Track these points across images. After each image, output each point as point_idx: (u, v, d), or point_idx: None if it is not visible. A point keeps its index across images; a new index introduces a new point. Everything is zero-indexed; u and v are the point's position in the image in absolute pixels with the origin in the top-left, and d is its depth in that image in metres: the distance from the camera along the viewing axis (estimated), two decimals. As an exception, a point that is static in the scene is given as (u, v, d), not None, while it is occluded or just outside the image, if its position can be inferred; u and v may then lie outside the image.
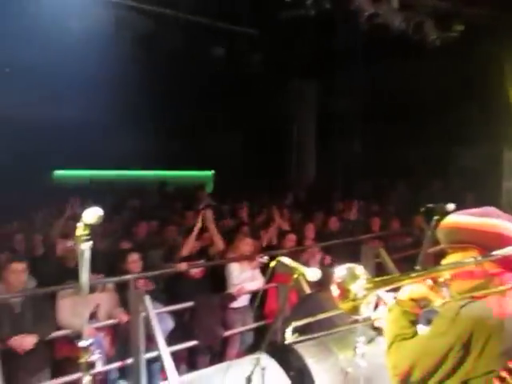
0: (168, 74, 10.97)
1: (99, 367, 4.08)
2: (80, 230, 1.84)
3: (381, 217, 7.47)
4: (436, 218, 3.51)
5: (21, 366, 3.86)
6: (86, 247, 1.84)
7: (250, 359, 2.94)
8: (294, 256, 5.34)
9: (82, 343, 2.00)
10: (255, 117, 12.16)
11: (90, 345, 2.02)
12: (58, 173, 15.41)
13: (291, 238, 5.77)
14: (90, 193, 10.78)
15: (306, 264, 4.99)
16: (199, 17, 8.39)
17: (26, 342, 3.78)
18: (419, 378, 1.52)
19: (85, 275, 1.97)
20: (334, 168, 11.89)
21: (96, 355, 2.08)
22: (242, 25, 8.91)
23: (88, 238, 1.84)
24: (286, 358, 3.70)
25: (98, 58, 9.43)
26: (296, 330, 2.23)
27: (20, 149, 14.71)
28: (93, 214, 1.83)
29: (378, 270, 5.72)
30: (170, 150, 14.05)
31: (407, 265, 5.19)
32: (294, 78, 11.73)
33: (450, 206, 3.47)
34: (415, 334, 1.62)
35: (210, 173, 15.79)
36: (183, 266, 4.72)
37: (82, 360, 2.00)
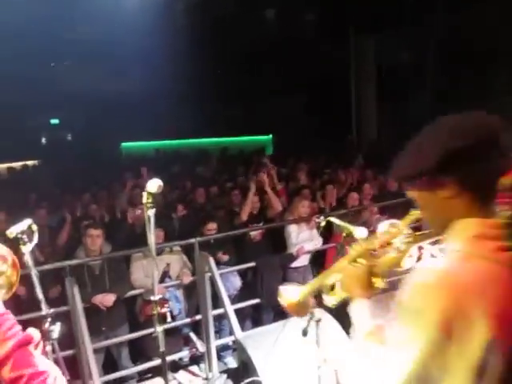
0: (224, 40, 11.07)
1: (169, 319, 4.45)
2: (145, 198, 2.06)
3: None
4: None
5: (102, 321, 4.32)
6: (151, 213, 2.06)
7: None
8: (355, 216, 5.47)
9: (153, 297, 2.25)
10: (313, 79, 12.01)
11: (161, 300, 2.28)
12: (126, 144, 16.17)
13: (354, 197, 5.85)
14: (157, 162, 11.32)
15: (366, 223, 5.10)
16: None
17: (106, 299, 4.22)
18: None
19: (151, 238, 2.21)
20: (396, 128, 11.58)
21: (165, 308, 2.34)
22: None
23: (152, 205, 2.06)
24: (341, 311, 3.85)
25: (155, 33, 9.72)
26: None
27: (89, 123, 15.60)
28: (155, 184, 2.04)
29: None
30: (231, 116, 14.30)
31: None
32: (352, 35, 11.41)
33: None
34: None
35: (269, 136, 15.94)
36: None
37: (155, 312, 2.27)
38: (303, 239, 5.18)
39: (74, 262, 4.14)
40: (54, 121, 18.01)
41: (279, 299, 1.73)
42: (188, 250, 4.77)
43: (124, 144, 16.18)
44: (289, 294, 1.70)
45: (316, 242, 5.31)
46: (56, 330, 2.05)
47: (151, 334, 4.42)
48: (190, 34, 10.28)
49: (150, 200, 2.04)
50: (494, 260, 1.09)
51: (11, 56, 10.64)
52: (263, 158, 9.80)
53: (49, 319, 2.05)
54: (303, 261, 5.32)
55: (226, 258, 4.89)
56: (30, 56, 11.10)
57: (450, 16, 9.23)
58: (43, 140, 18.48)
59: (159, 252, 4.58)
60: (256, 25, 10.07)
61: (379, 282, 1.54)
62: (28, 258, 2.00)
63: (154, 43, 10.49)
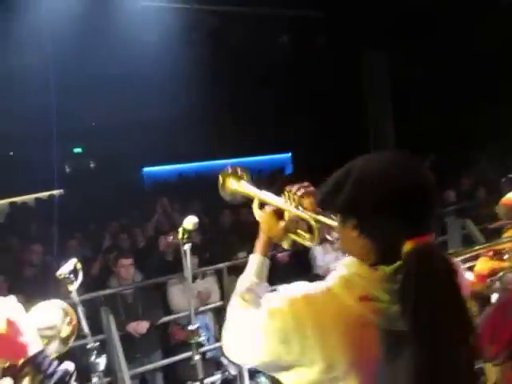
0: (239, 64, 11.33)
1: (206, 347, 4.53)
2: (180, 234, 2.19)
3: (468, 185, 7.26)
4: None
5: (137, 348, 4.43)
6: (187, 248, 2.18)
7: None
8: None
9: (191, 327, 2.36)
10: (328, 98, 12.15)
11: (199, 328, 2.38)
12: (147, 169, 16.45)
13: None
14: (179, 186, 11.51)
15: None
16: (262, 8, 8.60)
17: (140, 327, 4.34)
18: None
19: (188, 268, 2.32)
20: (414, 140, 11.57)
21: (203, 337, 2.43)
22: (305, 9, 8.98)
23: (188, 240, 2.18)
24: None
25: (170, 61, 10.03)
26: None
27: (110, 150, 15.96)
28: (191, 221, 2.17)
29: (465, 242, 5.64)
30: (250, 137, 14.48)
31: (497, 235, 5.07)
32: (365, 52, 11.52)
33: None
34: None
35: (288, 155, 16.08)
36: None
37: (193, 341, 2.37)
38: (329, 261, 5.24)
39: (107, 291, 4.28)
40: (77, 149, 18.48)
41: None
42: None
43: (145, 169, 16.48)
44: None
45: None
46: (102, 362, 2.16)
47: (184, 359, 4.58)
48: (205, 61, 10.57)
49: (185, 236, 2.16)
50: (353, 305, 1.14)
51: (34, 89, 11.05)
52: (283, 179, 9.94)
53: (94, 352, 2.17)
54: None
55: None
56: (50, 89, 11.49)
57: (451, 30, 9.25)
58: (67, 169, 18.93)
59: (193, 279, 4.70)
60: (269, 48, 10.30)
61: (286, 243, 1.60)
62: (74, 295, 2.12)
63: (171, 71, 10.80)
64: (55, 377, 1.18)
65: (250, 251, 1.63)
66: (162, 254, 5.36)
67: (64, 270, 1.79)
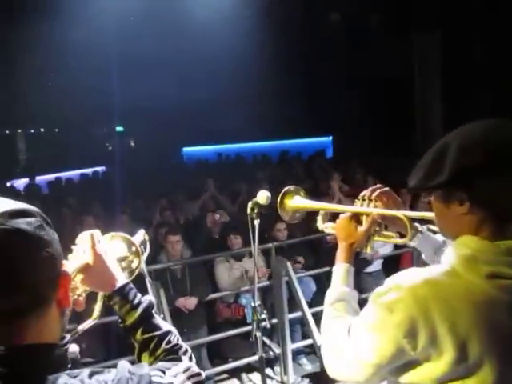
0: (284, 41, 11.16)
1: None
2: (249, 208, 2.15)
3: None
4: None
5: (185, 323, 4.48)
6: (256, 223, 2.14)
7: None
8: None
9: (253, 303, 2.33)
10: (375, 77, 11.80)
11: (259, 305, 2.35)
12: (187, 149, 16.59)
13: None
14: (220, 166, 11.55)
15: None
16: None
17: (189, 303, 4.38)
18: None
19: (255, 249, 2.29)
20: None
21: (264, 315, 2.40)
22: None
23: (258, 215, 2.14)
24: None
25: (214, 39, 9.97)
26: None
27: (151, 129, 16.18)
28: (264, 195, 2.12)
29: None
30: (289, 118, 14.33)
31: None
32: (416, 29, 11.09)
33: None
34: None
35: (329, 138, 15.84)
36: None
37: (254, 318, 2.35)
38: (377, 244, 5.13)
39: (158, 266, 4.33)
40: (119, 128, 18.83)
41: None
42: (264, 254, 4.86)
43: (185, 149, 16.60)
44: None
45: (388, 247, 5.25)
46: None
47: (228, 336, 4.63)
48: (249, 38, 10.43)
49: (255, 210, 2.12)
50: (481, 284, 1.06)
51: (79, 69, 11.26)
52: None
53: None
54: (376, 265, 5.30)
55: (301, 263, 4.94)
56: (96, 68, 11.69)
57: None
58: (109, 147, 19.35)
59: (240, 257, 4.71)
60: (317, 25, 10.07)
61: (369, 249, 1.59)
62: (143, 267, 2.12)
63: (214, 48, 10.77)
64: (141, 307, 1.24)
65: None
66: (208, 231, 5.38)
67: (137, 239, 1.77)
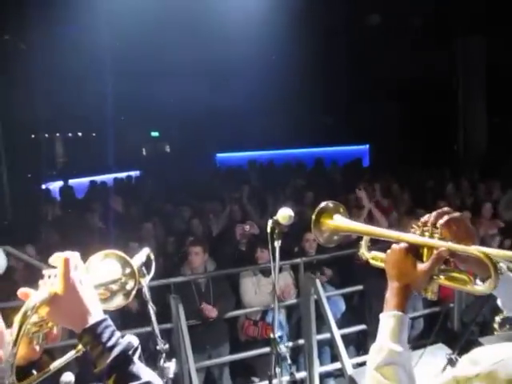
0: (323, 48, 10.89)
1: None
2: (271, 227, 1.89)
3: None
4: None
5: (206, 339, 4.24)
6: (277, 245, 1.89)
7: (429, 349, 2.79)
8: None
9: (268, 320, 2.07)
10: (415, 85, 11.35)
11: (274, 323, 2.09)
12: (220, 156, 16.49)
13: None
14: (251, 173, 11.34)
15: (482, 242, 4.57)
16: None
17: (212, 311, 4.14)
18: None
19: (276, 272, 2.04)
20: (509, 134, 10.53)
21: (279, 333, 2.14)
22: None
23: (279, 235, 1.88)
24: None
25: (247, 49, 9.79)
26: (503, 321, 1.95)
27: (186, 135, 16.23)
28: (286, 214, 1.87)
29: None
30: (325, 125, 14.04)
31: None
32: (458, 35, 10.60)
33: None
34: None
35: (366, 146, 15.40)
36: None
37: (271, 336, 2.08)
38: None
39: (178, 279, 4.12)
40: (154, 133, 18.95)
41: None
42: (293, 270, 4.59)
43: (219, 155, 16.52)
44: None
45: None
46: (172, 367, 1.92)
47: (253, 355, 4.36)
48: (286, 45, 10.21)
49: (276, 230, 1.86)
50: None
51: (117, 75, 11.35)
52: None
53: (164, 355, 1.93)
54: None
55: (328, 274, 4.62)
56: (134, 74, 11.77)
57: None
58: (144, 152, 19.49)
59: (268, 273, 4.43)
60: (357, 30, 9.74)
61: (430, 293, 1.20)
62: (146, 291, 1.88)
63: (250, 55, 10.59)
64: (116, 350, 1.03)
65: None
66: (236, 243, 5.14)
67: (136, 261, 1.52)
